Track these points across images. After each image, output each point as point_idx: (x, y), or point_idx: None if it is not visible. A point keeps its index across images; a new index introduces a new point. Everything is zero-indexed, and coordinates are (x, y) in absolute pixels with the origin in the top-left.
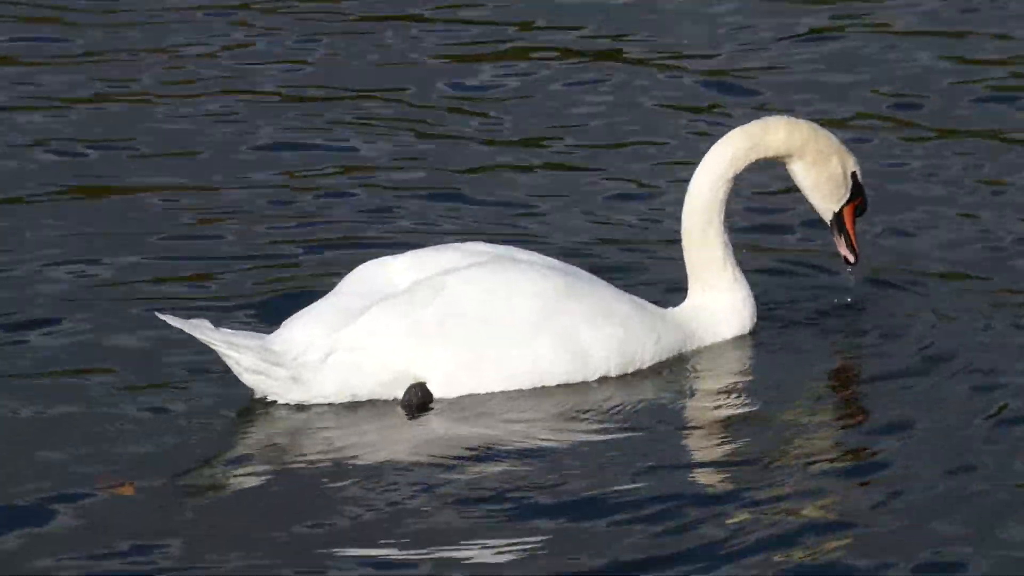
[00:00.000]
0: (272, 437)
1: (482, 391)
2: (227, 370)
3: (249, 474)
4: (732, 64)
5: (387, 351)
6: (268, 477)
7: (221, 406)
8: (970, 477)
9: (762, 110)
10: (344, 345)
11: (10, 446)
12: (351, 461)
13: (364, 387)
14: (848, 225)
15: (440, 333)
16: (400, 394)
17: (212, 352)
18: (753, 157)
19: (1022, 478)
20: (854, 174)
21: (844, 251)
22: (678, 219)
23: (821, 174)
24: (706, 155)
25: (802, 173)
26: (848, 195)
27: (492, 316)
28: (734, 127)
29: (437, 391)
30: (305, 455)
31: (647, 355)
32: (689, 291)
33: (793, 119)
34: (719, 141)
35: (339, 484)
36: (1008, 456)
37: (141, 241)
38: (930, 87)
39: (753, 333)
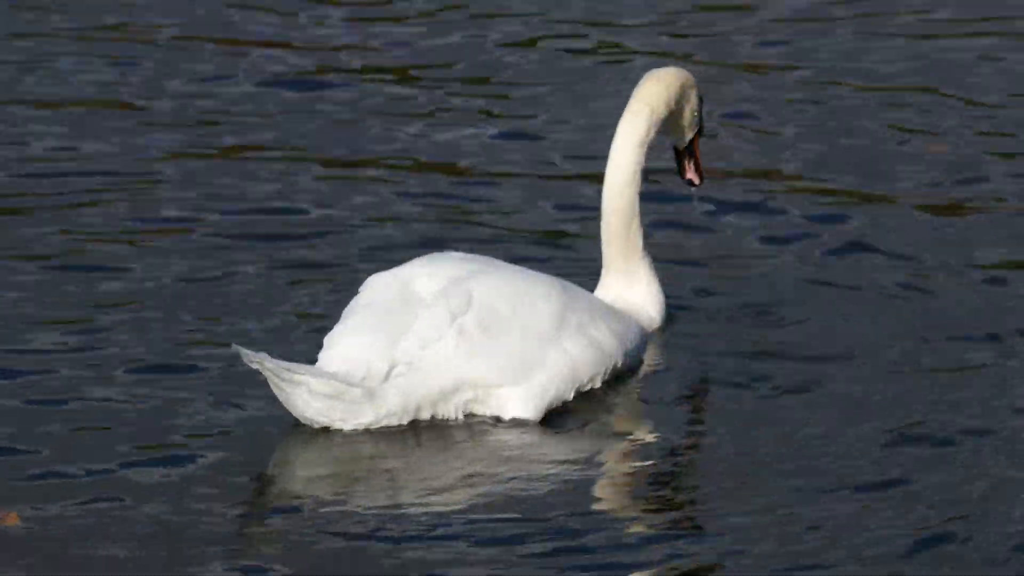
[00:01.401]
0: (321, 461)
1: (539, 397)
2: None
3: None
4: None
5: (444, 359)
6: (312, 500)
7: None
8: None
9: None
10: (405, 358)
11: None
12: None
13: (427, 399)
14: (696, 150)
15: (486, 341)
16: (457, 405)
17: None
18: (652, 134)
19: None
20: (701, 99)
21: (692, 175)
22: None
23: (685, 108)
24: (612, 151)
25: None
26: (699, 121)
27: (523, 320)
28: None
29: (488, 400)
30: (366, 478)
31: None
32: (603, 283)
33: (654, 76)
34: (618, 131)
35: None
36: (905, 456)
37: None
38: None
39: (663, 328)
